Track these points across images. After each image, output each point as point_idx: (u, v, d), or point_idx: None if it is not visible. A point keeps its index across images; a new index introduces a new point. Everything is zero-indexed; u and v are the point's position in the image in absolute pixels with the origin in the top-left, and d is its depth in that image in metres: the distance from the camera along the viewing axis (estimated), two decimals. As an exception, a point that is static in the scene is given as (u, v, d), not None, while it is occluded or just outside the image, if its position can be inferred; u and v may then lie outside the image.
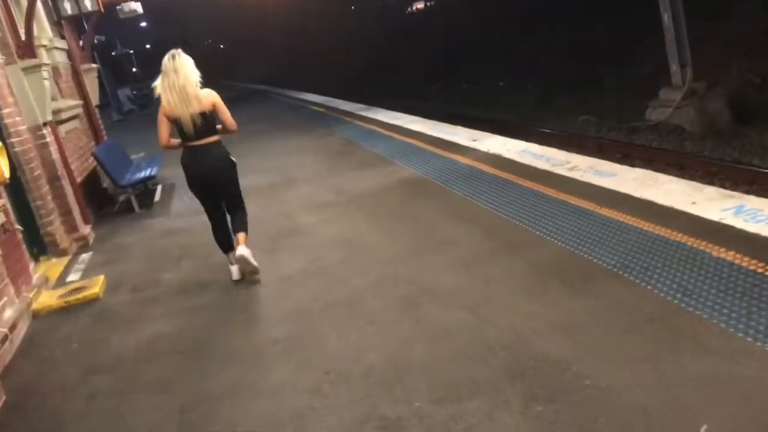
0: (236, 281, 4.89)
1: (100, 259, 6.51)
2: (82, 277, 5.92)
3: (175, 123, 4.59)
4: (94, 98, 10.60)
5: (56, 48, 9.23)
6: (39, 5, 8.88)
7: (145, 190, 9.21)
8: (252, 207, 5.64)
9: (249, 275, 4.87)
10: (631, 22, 21.37)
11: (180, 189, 9.31)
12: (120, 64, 43.87)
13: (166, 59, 4.57)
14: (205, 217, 5.12)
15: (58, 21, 9.74)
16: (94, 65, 10.67)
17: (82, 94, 10.18)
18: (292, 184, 8.13)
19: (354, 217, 6.10)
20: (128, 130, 23.31)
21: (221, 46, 73.99)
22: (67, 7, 9.66)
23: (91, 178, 8.94)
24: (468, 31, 35.92)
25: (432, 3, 63.74)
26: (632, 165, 8.09)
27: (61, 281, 5.94)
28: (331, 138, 11.29)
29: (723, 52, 13.96)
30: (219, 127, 4.77)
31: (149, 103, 35.13)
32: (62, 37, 9.90)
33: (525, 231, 4.70)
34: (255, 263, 4.78)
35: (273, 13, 59.62)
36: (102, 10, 9.94)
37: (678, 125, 11.95)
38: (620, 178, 5.48)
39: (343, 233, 5.66)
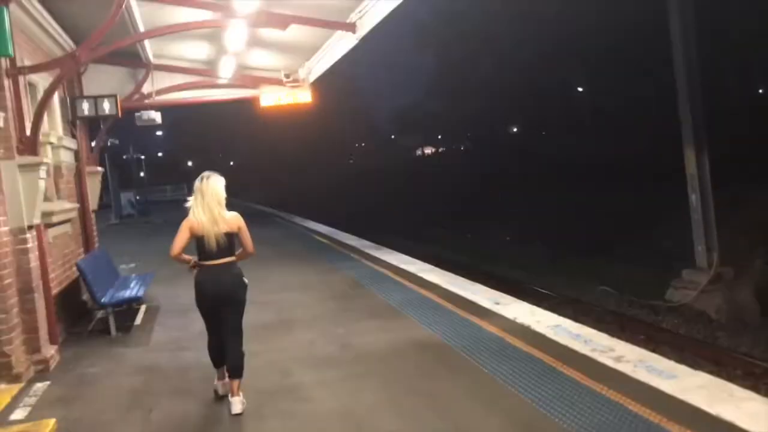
0: (220, 397, 5.00)
1: (57, 392, 5.52)
2: (29, 417, 4.93)
3: (198, 240, 4.79)
4: (93, 203, 9.98)
5: (64, 147, 8.71)
6: (55, 101, 8.49)
7: (127, 309, 8.32)
8: (242, 350, 4.83)
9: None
10: (649, 197, 21.54)
11: (165, 314, 8.42)
12: (128, 168, 44.16)
13: (198, 180, 4.82)
14: (188, 356, 5.47)
15: (72, 120, 9.32)
16: (99, 169, 10.15)
17: (82, 197, 9.57)
18: (290, 327, 7.25)
19: (362, 386, 5.18)
20: (123, 237, 22.62)
21: (231, 163, 75.55)
22: (85, 108, 9.29)
23: (71, 290, 8.07)
24: (476, 182, 36.65)
25: (443, 149, 66.06)
26: (655, 350, 7.33)
27: (2, 417, 4.92)
28: (336, 276, 10.53)
29: (741, 239, 13.59)
30: (239, 251, 4.99)
31: (150, 211, 34.90)
32: (73, 137, 9.44)
33: (580, 442, 3.81)
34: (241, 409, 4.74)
35: (285, 139, 61.49)
36: (120, 115, 9.57)
37: (703, 311, 11.28)
38: (683, 382, 4.64)
39: (349, 406, 4.73)
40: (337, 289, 9.33)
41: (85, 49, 6.35)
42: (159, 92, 10.43)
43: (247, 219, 5.14)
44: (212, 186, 4.81)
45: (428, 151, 68.17)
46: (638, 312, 11.53)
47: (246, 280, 4.98)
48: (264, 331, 7.13)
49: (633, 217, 20.85)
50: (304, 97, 10.46)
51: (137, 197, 37.22)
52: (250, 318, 7.02)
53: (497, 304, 7.62)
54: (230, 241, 4.84)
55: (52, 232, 7.58)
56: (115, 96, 9.47)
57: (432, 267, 10.80)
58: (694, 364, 7.09)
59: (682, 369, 4.99)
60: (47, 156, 7.68)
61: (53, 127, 8.55)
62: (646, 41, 29.03)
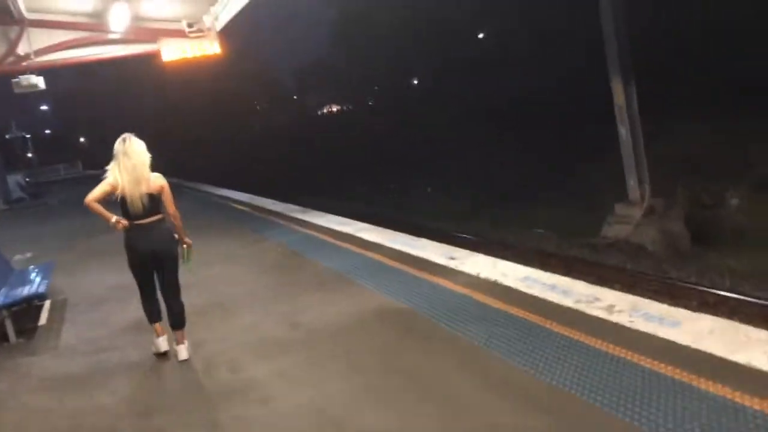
0: (162, 354, 5.12)
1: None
2: None
3: (122, 202, 4.75)
4: (-28, 187, 8.52)
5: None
6: None
7: (27, 307, 7.10)
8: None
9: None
10: (566, 134, 21.61)
11: (75, 309, 7.29)
12: (12, 148, 40.51)
13: (118, 142, 4.75)
14: (111, 358, 5.18)
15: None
16: (-25, 147, 8.65)
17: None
18: (227, 310, 6.34)
19: (327, 372, 4.41)
20: (15, 223, 20.46)
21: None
22: (-54, 75, 7.79)
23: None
24: (391, 133, 36.02)
25: (349, 107, 64.78)
26: (611, 288, 6.95)
27: None
28: (265, 245, 9.60)
29: (669, 171, 13.67)
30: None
31: (43, 193, 32.14)
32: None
33: (615, 420, 3.23)
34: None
35: (182, 102, 58.34)
36: (-8, 81, 8.13)
37: (640, 244, 11.19)
38: (690, 329, 4.17)
39: (319, 401, 3.95)
40: (271, 260, 8.43)
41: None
42: (38, 53, 8.97)
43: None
44: (135, 147, 4.76)
45: (334, 109, 66.73)
46: (579, 252, 11.31)
47: (176, 235, 5.05)
48: (198, 317, 6.16)
49: (555, 157, 20.90)
50: (211, 48, 9.27)
51: (27, 179, 34.23)
52: (187, 300, 6.12)
53: (452, 259, 7.00)
54: (155, 201, 4.83)
55: None
56: (-17, 58, 8.02)
57: (369, 226, 10.06)
58: (649, 298, 6.78)
59: (683, 313, 4.52)
60: None
61: None
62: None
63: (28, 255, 11.91)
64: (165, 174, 4.98)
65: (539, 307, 5.05)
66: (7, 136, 40.02)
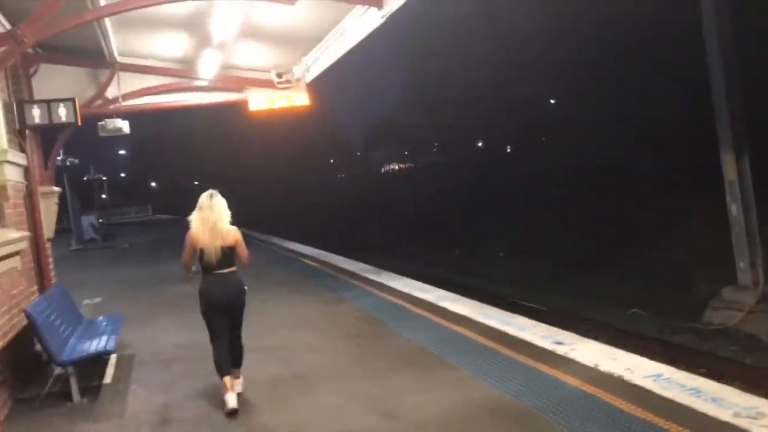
0: (230, 412, 5.03)
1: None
2: None
3: (200, 252, 5.20)
4: (49, 230, 8.27)
5: (9, 162, 7.04)
6: (-3, 105, 6.86)
7: (93, 361, 6.61)
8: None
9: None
10: (645, 204, 20.47)
11: (142, 367, 6.75)
12: (89, 190, 41.82)
13: (204, 197, 5.29)
14: None
15: (20, 130, 7.65)
16: (55, 189, 8.44)
17: (34, 223, 7.86)
18: (307, 384, 5.66)
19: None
20: (86, 265, 20.58)
21: (195, 183, 73.24)
22: (36, 115, 7.64)
23: (20, 341, 6.33)
24: (457, 196, 35.41)
25: (412, 165, 64.91)
26: (731, 384, 5.93)
27: None
28: (342, 308, 8.96)
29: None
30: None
31: (114, 235, 32.75)
32: (22, 150, 7.75)
33: None
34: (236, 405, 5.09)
35: (252, 155, 59.68)
36: (80, 122, 7.94)
37: (751, 334, 10.00)
38: None
39: None
40: (350, 327, 7.76)
41: (30, 27, 4.75)
42: (126, 96, 8.81)
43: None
44: (218, 203, 5.29)
45: (395, 167, 66.99)
46: (682, 338, 10.20)
47: (246, 287, 5.44)
48: (274, 390, 5.54)
49: (634, 227, 19.77)
50: (299, 99, 8.93)
51: (100, 220, 35.05)
52: (252, 370, 5.54)
53: (559, 344, 6.14)
54: (230, 253, 5.28)
55: (-8, 270, 5.93)
56: (72, 100, 7.84)
57: (451, 294, 9.29)
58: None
59: None
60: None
61: (-5, 137, 6.91)
62: (624, 43, 28.55)
63: (97, 300, 11.66)
64: (235, 223, 5.39)
65: (689, 418, 4.17)
66: (85, 178, 41.30)
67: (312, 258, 15.35)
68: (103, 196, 62.42)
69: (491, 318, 7.44)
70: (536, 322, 7.19)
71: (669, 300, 12.80)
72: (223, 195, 5.40)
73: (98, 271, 17.91)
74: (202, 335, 7.72)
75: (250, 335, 7.57)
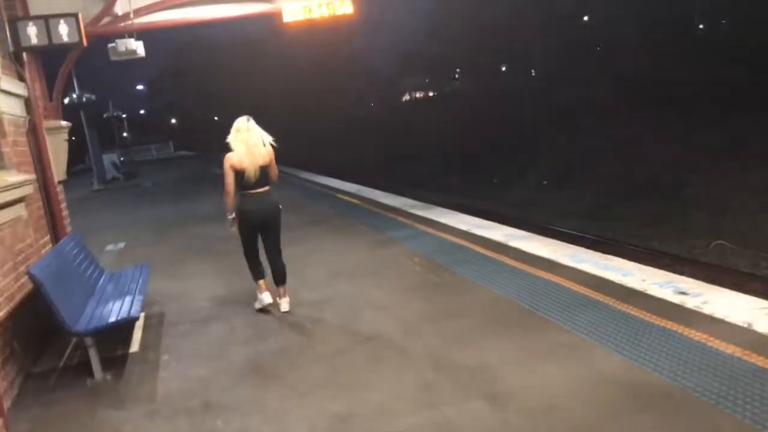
0: (264, 307, 5.82)
1: None
2: None
3: (238, 173, 5.46)
4: (60, 171, 7.16)
5: (3, 92, 5.88)
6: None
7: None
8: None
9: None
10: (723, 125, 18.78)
11: (175, 330, 5.72)
12: (109, 128, 40.80)
13: (243, 120, 5.58)
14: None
15: (15, 53, 6.43)
16: (64, 123, 7.29)
17: (41, 163, 6.76)
18: (378, 352, 4.58)
19: None
20: (108, 206, 19.71)
21: (215, 118, 71.84)
22: (32, 34, 6.42)
23: (31, 304, 5.32)
24: (490, 122, 33.66)
25: (434, 94, 62.56)
26: None
27: None
28: (395, 251, 7.82)
29: None
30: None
31: (137, 173, 31.88)
32: (20, 79, 6.57)
33: None
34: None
35: (275, 83, 57.94)
36: (85, 42, 6.69)
37: None
38: None
39: None
40: (412, 275, 6.64)
41: None
42: (138, 12, 7.50)
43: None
44: (254, 125, 5.53)
45: (418, 94, 64.74)
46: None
47: (281, 206, 5.73)
48: (341, 361, 4.47)
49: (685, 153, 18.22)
50: (342, 7, 7.54)
51: (122, 158, 34.16)
52: (307, 333, 4.50)
53: (683, 294, 4.97)
54: (265, 172, 5.55)
55: (-13, 222, 4.86)
56: (75, 15, 6.59)
57: (520, 232, 8.13)
58: None
59: None
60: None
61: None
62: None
63: (121, 246, 10.73)
64: None
65: None
66: (105, 115, 40.18)
67: (349, 194, 14.18)
68: (124, 134, 61.44)
69: (581, 260, 6.29)
70: (639, 265, 6.03)
71: (748, 229, 11.53)
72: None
73: (121, 212, 16.99)
74: (241, 284, 6.79)
75: (298, 284, 6.59)
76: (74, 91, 26.18)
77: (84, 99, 26.19)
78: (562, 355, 4.13)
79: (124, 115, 49.74)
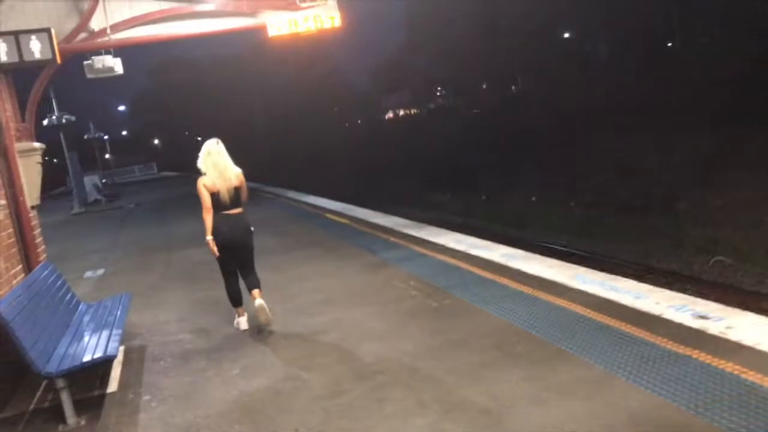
0: (243, 330, 5.88)
1: None
2: None
3: (213, 195, 5.55)
4: (33, 196, 6.75)
5: (-31, 112, 5.50)
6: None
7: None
8: None
9: (264, 325, 5.74)
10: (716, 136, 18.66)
11: (157, 364, 5.31)
12: (91, 149, 40.18)
13: (213, 143, 5.66)
14: None
15: (-17, 71, 6.06)
16: (37, 145, 6.88)
17: (12, 188, 6.35)
18: (383, 393, 4.19)
19: None
20: (89, 229, 19.17)
21: (198, 138, 71.33)
22: (1, 52, 6.03)
23: (-2, 342, 4.90)
24: (476, 140, 33.52)
25: (417, 111, 62.63)
26: None
27: None
28: (389, 273, 7.46)
29: None
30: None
31: (119, 195, 31.30)
32: (-11, 99, 6.18)
33: None
34: (269, 314, 5.69)
35: (256, 101, 57.64)
36: (59, 60, 6.34)
37: None
38: None
39: None
40: (409, 299, 6.27)
41: None
42: (116, 27, 7.15)
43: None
44: (223, 148, 5.67)
45: (399, 112, 64.81)
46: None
47: (252, 228, 5.83)
48: (340, 403, 4.08)
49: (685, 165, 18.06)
50: (330, 19, 7.23)
51: (104, 180, 33.57)
52: (302, 366, 4.15)
53: (704, 318, 4.65)
54: (238, 193, 5.69)
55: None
56: (47, 30, 6.24)
57: (520, 252, 7.80)
58: None
59: None
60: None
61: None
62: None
63: (100, 272, 10.26)
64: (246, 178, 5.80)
65: None
66: (85, 137, 39.56)
67: (337, 213, 13.81)
68: (107, 155, 60.66)
69: (588, 282, 5.96)
70: (650, 287, 5.73)
71: (746, 245, 11.29)
72: (228, 149, 5.70)
73: (102, 236, 16.47)
74: (226, 313, 6.40)
75: (290, 312, 6.23)
76: (53, 112, 25.67)
77: (63, 120, 25.66)
78: (579, 389, 3.79)
79: (105, 137, 49.08)
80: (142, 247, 12.77)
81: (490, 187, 24.40)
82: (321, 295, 6.85)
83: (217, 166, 5.52)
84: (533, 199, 21.27)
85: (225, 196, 5.52)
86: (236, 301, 5.94)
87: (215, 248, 5.58)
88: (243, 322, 5.92)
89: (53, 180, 35.83)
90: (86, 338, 4.84)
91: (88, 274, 10.19)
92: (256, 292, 5.74)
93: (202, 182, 5.53)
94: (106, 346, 4.46)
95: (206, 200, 5.51)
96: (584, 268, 6.65)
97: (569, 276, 6.26)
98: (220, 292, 6.17)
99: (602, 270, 6.58)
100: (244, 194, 5.74)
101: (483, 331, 5.06)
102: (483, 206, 22.03)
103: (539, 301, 5.60)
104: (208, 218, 5.55)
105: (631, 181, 18.19)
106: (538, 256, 7.44)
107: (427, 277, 7.00)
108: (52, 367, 4.21)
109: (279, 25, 7.20)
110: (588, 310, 5.17)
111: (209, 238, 5.57)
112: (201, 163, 5.58)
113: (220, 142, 5.66)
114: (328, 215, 13.71)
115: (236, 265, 5.82)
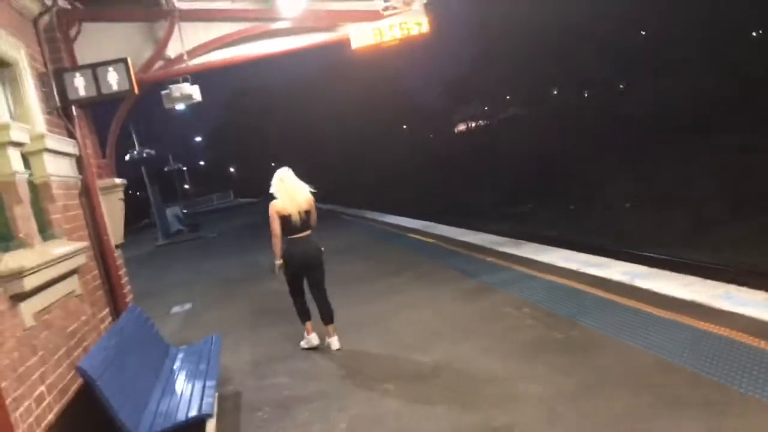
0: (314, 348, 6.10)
1: None
2: None
3: (284, 219, 5.83)
4: (116, 234, 6.44)
5: (49, 151, 5.20)
6: (26, 78, 5.00)
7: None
8: None
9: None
10: None
11: (257, 415, 4.77)
12: (171, 181, 41.28)
13: (283, 170, 5.99)
14: None
15: (63, 108, 5.79)
16: (119, 181, 6.59)
17: (96, 228, 6.05)
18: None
19: None
20: (173, 261, 19.22)
21: (272, 164, 72.68)
22: (79, 86, 5.75)
23: (85, 398, 4.48)
24: (550, 149, 32.35)
25: (485, 123, 61.61)
26: None
27: None
28: (495, 299, 6.74)
29: None
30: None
31: (201, 224, 31.78)
32: (70, 136, 5.92)
33: None
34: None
35: (328, 124, 58.13)
36: (137, 90, 6.02)
37: None
38: None
39: None
40: (527, 330, 5.53)
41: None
42: (192, 53, 6.82)
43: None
44: (293, 176, 5.96)
45: (471, 124, 63.97)
46: None
47: (322, 248, 6.03)
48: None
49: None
50: (417, 26, 6.68)
51: (184, 211, 34.22)
52: (425, 420, 3.39)
53: None
54: (308, 217, 5.94)
55: (33, 305, 4.07)
56: (124, 60, 5.92)
57: (642, 268, 6.92)
58: None
59: None
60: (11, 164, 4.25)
61: (25, 116, 5.07)
62: None
63: (187, 307, 9.98)
64: (319, 199, 6.21)
65: None
66: (165, 169, 40.70)
67: (420, 232, 13.18)
68: (186, 186, 62.59)
69: (742, 303, 5.07)
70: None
71: None
72: (303, 172, 6.07)
73: (186, 267, 16.43)
74: (321, 350, 5.90)
75: (392, 348, 5.61)
76: (133, 147, 26.34)
77: (144, 154, 26.28)
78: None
79: (184, 168, 50.49)
80: (226, 279, 12.50)
81: (577, 195, 23.27)
82: (423, 328, 6.20)
83: (288, 192, 5.83)
84: (627, 205, 20.03)
85: (296, 219, 5.81)
86: (305, 315, 6.19)
87: (285, 270, 5.93)
88: (314, 338, 6.18)
89: (137, 213, 36.91)
90: (178, 391, 4.37)
91: (176, 309, 9.93)
92: (331, 328, 6.02)
93: (274, 207, 5.83)
94: (200, 403, 3.96)
95: (275, 226, 5.81)
96: (728, 284, 5.73)
97: (714, 295, 5.37)
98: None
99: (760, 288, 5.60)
100: (313, 218, 5.99)
101: (627, 368, 4.28)
102: (571, 215, 20.95)
103: (686, 328, 4.77)
104: (277, 243, 5.84)
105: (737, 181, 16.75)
106: (665, 272, 6.55)
107: (541, 303, 6.25)
108: (143, 430, 3.73)
109: (363, 36, 6.68)
110: (756, 339, 4.31)
111: (278, 262, 5.89)
112: (274, 188, 5.90)
113: (290, 170, 5.97)
114: (411, 234, 13.08)
115: (309, 286, 6.05)
